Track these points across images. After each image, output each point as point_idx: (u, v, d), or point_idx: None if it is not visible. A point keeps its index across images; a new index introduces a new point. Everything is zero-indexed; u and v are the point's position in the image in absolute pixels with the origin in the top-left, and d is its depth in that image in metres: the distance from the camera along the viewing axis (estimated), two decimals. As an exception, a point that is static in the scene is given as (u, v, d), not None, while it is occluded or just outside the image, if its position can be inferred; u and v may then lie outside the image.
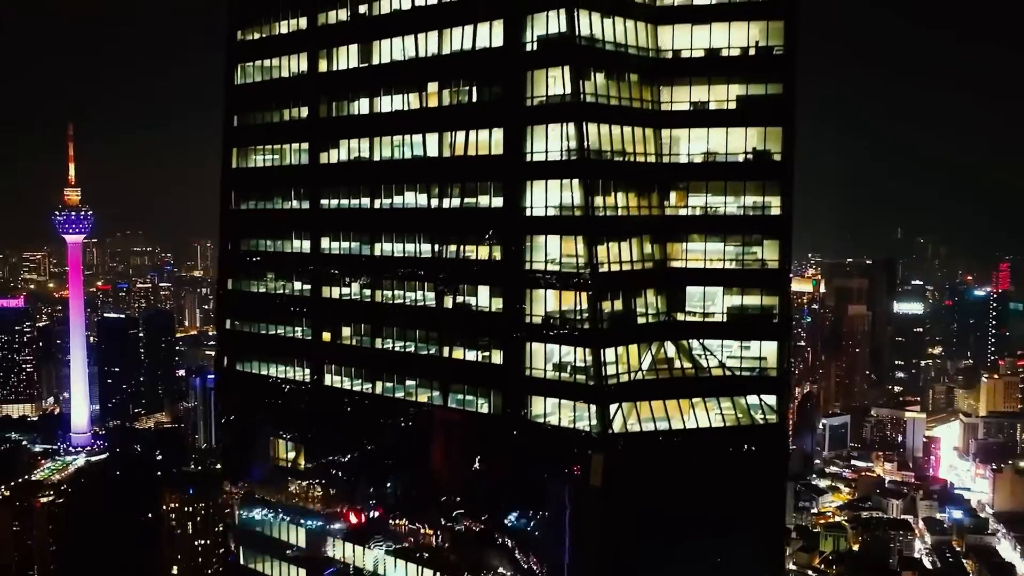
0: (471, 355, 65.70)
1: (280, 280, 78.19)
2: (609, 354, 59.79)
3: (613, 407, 59.19)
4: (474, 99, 64.99)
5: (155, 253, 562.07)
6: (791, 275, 64.42)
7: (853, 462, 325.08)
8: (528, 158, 61.92)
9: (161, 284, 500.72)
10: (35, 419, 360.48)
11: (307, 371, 76.05)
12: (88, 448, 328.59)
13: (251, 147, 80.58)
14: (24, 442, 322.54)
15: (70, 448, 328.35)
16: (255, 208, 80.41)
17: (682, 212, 64.37)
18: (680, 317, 63.90)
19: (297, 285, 76.89)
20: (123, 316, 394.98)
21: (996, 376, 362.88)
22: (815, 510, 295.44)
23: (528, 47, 61.59)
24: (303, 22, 74.96)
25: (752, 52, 63.39)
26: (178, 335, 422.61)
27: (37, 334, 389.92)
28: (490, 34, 63.32)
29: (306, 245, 75.93)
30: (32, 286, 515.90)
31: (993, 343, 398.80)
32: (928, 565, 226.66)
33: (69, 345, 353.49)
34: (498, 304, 64.09)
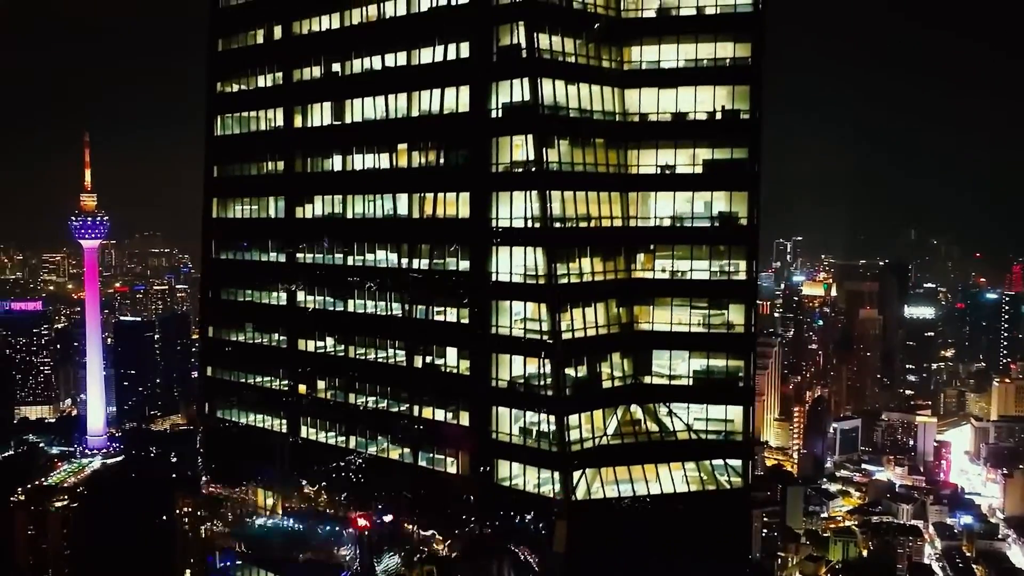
0: (440, 415, 66.20)
1: (258, 331, 78.90)
2: (573, 420, 60.23)
3: (577, 474, 59.59)
4: (442, 162, 65.46)
5: (173, 254, 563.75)
6: (758, 337, 64.43)
7: (864, 466, 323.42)
8: (494, 223, 62.31)
9: (178, 286, 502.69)
10: (53, 421, 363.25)
11: (284, 422, 76.75)
12: (104, 450, 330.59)
13: (231, 198, 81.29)
14: (41, 444, 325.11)
15: (86, 450, 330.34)
16: (234, 259, 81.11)
17: (649, 275, 64.50)
18: (647, 380, 64.17)
19: (275, 336, 77.56)
20: (139, 319, 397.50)
21: (1008, 380, 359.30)
22: (825, 514, 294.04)
23: (493, 114, 61.95)
24: (280, 77, 75.70)
25: (719, 116, 63.33)
26: (194, 337, 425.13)
27: (55, 336, 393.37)
28: (457, 99, 63.83)
29: (283, 297, 76.61)
30: (51, 287, 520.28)
31: (1005, 346, 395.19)
32: (938, 571, 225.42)
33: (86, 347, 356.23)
34: (465, 366, 64.59)
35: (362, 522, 67.17)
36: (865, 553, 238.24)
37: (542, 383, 60.38)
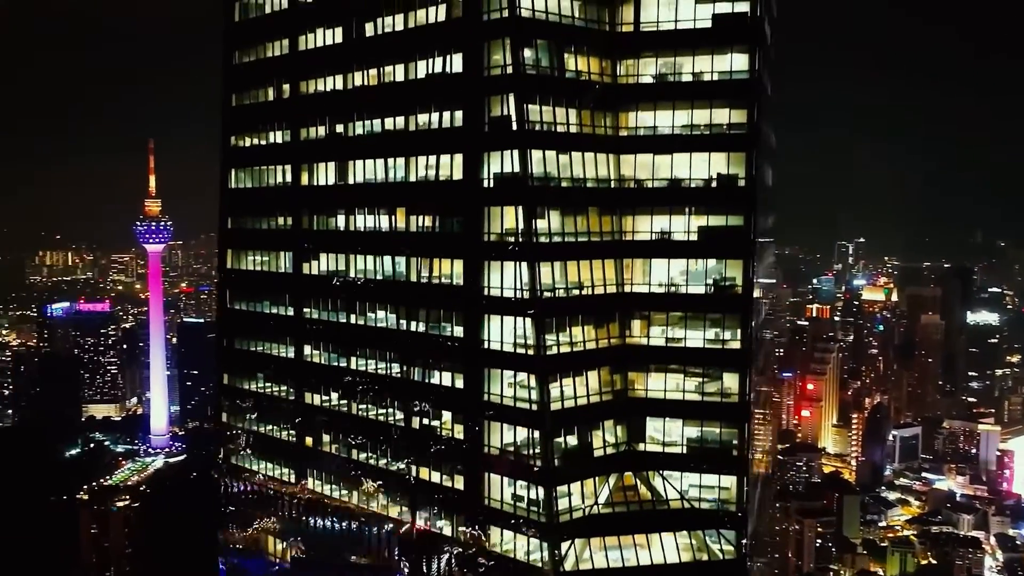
0: (435, 477, 66.82)
1: (269, 381, 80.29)
2: (563, 489, 60.34)
3: (566, 544, 59.75)
4: (437, 228, 65.86)
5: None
6: (751, 405, 63.91)
7: (924, 475, 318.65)
8: (486, 291, 62.57)
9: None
10: (118, 419, 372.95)
11: (293, 473, 78.09)
12: (166, 449, 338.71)
13: (244, 250, 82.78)
14: (107, 442, 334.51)
15: (149, 449, 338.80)
16: (247, 310, 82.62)
17: (643, 342, 64.25)
18: (640, 447, 64.05)
19: (283, 388, 78.89)
20: (202, 320, 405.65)
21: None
22: (883, 523, 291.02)
23: (485, 183, 62.25)
24: (288, 135, 76.78)
25: (714, 183, 62.91)
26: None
27: (122, 336, 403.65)
28: (451, 166, 64.25)
29: (291, 351, 77.81)
30: (120, 287, 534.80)
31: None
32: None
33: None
34: (460, 430, 65.07)
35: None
36: (923, 564, 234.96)
37: (532, 452, 60.57)
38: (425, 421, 67.35)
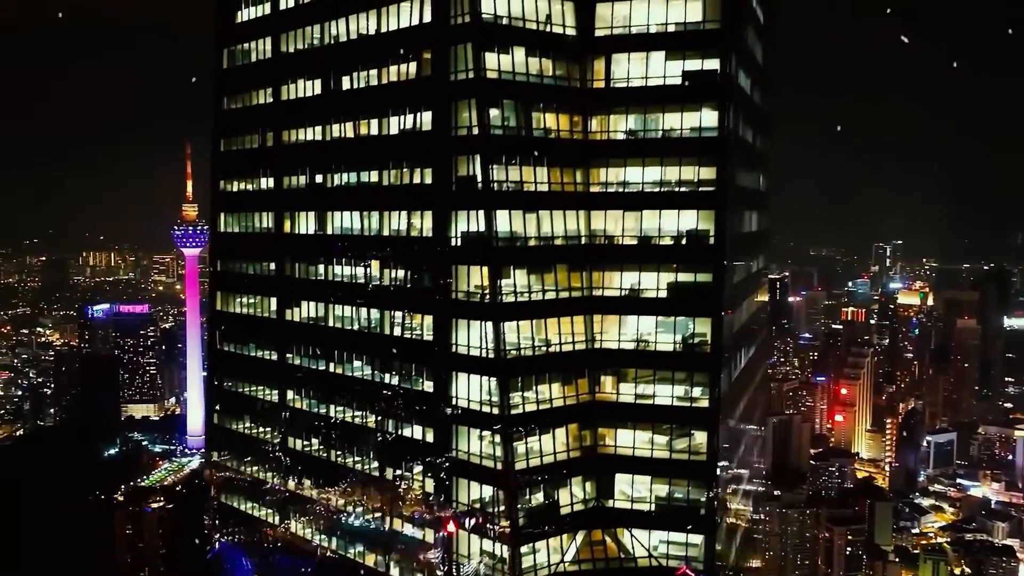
0: (408, 529, 67.43)
1: (254, 423, 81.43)
2: (528, 548, 60.63)
3: (532, 602, 60.10)
4: (409, 283, 66.41)
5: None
6: (718, 463, 63.74)
7: (958, 481, 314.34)
8: (454, 349, 63.00)
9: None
10: (157, 419, 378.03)
11: (277, 517, 79.17)
12: (202, 450, 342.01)
13: (231, 293, 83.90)
14: (145, 442, 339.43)
15: (186, 449, 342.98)
16: (234, 352, 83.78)
17: (613, 398, 64.30)
18: (609, 504, 64.08)
19: (268, 430, 79.95)
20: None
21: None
22: (916, 530, 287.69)
23: (453, 241, 62.60)
24: (272, 182, 77.69)
25: (684, 240, 62.76)
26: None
27: (161, 336, 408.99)
28: (422, 223, 64.73)
29: (275, 395, 78.87)
30: (161, 288, 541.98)
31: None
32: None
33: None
34: (431, 485, 65.57)
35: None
36: (957, 572, 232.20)
37: (497, 510, 60.91)
38: (399, 472, 67.87)
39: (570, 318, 63.38)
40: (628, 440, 63.80)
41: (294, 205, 75.80)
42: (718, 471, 63.22)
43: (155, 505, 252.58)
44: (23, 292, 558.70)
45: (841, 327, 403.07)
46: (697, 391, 62.75)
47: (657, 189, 63.19)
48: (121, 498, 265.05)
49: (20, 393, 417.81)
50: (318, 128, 72.74)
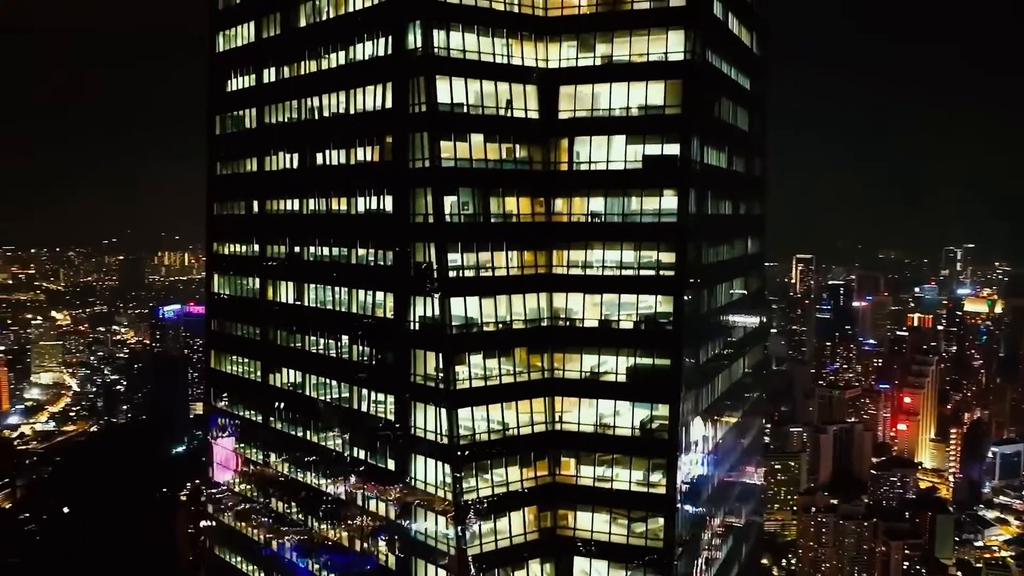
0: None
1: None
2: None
3: None
4: (373, 363, 67.46)
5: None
6: (675, 551, 63.41)
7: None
8: (412, 431, 63.97)
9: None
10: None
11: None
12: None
13: (224, 353, 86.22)
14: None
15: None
16: (225, 409, 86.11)
17: (572, 481, 64.45)
18: (568, 585, 64.31)
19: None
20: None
21: None
22: (979, 543, 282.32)
23: (411, 326, 63.45)
24: (256, 250, 79.52)
25: (643, 326, 62.62)
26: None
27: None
28: (384, 305, 65.96)
29: (260, 456, 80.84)
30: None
31: None
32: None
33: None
34: (392, 562, 66.60)
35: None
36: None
37: (453, 601, 61.61)
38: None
39: (529, 401, 63.69)
40: (587, 523, 63.89)
41: (275, 274, 77.25)
42: (675, 559, 62.86)
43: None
44: (101, 291, 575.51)
45: (907, 333, 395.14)
46: (656, 476, 62.56)
47: (617, 273, 62.91)
48: (184, 497, 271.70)
49: (94, 390, 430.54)
50: (296, 201, 74.01)
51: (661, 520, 62.54)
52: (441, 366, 61.13)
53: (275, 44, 75.53)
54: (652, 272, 62.38)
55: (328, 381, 71.93)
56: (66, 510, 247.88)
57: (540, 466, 64.28)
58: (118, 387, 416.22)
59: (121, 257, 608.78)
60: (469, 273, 61.79)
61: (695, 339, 65.78)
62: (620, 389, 63.21)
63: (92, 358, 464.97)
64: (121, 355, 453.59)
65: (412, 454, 64.01)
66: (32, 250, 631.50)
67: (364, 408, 68.20)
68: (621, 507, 63.37)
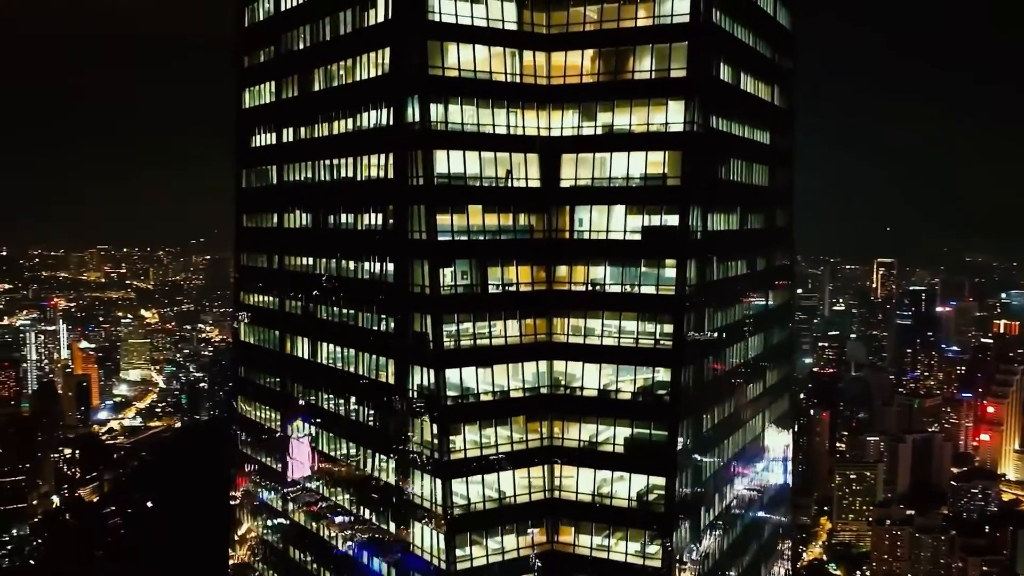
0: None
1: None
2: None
3: None
4: (376, 425, 68.46)
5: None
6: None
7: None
8: (410, 497, 64.76)
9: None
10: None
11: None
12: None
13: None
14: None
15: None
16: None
17: (570, 549, 64.50)
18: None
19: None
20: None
21: None
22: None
23: (409, 393, 64.21)
24: (276, 302, 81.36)
25: (640, 398, 62.45)
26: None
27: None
28: (387, 370, 66.71)
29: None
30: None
31: None
32: None
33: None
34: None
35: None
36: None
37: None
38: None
39: (527, 470, 63.88)
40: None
41: (293, 328, 78.85)
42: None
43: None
44: (188, 290, 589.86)
45: (991, 341, 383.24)
46: (652, 549, 62.30)
47: (617, 342, 62.75)
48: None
49: (179, 387, 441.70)
50: (309, 259, 75.45)
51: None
52: (436, 436, 61.67)
53: (293, 106, 77.05)
54: (651, 343, 62.01)
55: (338, 440, 73.55)
56: (149, 504, 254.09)
57: (538, 535, 64.43)
58: (202, 384, 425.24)
59: (208, 257, 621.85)
60: (467, 342, 62.18)
61: (696, 409, 65.24)
62: (618, 459, 63.05)
63: (178, 356, 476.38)
64: (205, 353, 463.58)
65: (411, 520, 64.75)
66: (124, 249, 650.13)
67: (369, 470, 69.20)
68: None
